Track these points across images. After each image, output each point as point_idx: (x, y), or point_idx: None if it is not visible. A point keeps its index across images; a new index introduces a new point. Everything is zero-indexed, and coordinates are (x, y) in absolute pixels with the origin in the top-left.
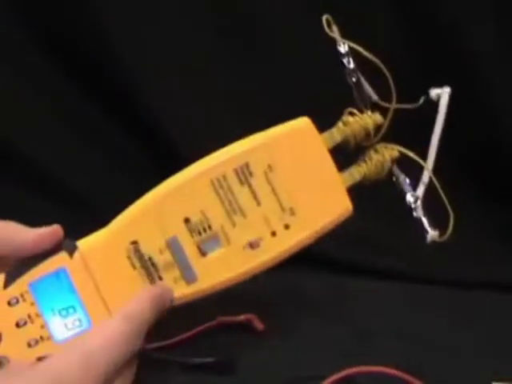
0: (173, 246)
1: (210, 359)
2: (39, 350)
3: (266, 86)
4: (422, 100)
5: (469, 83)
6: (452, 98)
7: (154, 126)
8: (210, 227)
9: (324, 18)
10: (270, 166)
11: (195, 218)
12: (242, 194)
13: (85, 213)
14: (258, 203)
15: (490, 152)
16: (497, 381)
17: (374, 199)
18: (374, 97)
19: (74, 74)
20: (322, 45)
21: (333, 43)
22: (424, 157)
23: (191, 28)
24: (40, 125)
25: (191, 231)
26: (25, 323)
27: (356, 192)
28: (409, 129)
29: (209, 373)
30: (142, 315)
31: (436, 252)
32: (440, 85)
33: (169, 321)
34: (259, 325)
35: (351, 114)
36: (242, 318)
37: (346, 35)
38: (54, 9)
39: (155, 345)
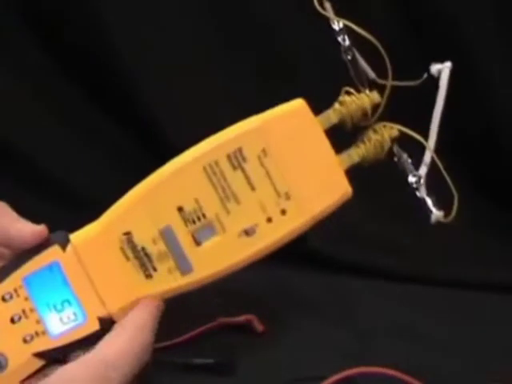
0: (166, 235)
1: (210, 360)
2: (35, 346)
3: (266, 85)
4: (424, 77)
5: (467, 79)
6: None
7: (154, 126)
8: (204, 215)
9: None
10: (263, 150)
11: (189, 207)
12: (236, 180)
13: (85, 213)
14: (253, 189)
15: (490, 152)
16: (496, 381)
17: (375, 198)
18: (371, 74)
19: (74, 73)
20: (322, 43)
21: (332, 38)
22: (425, 136)
23: (191, 28)
24: (40, 125)
25: (185, 220)
26: (19, 318)
27: (357, 192)
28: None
29: (209, 374)
30: (151, 323)
31: (436, 252)
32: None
33: (169, 322)
34: (259, 326)
35: (348, 93)
36: (242, 318)
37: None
38: (54, 9)
39: (155, 346)
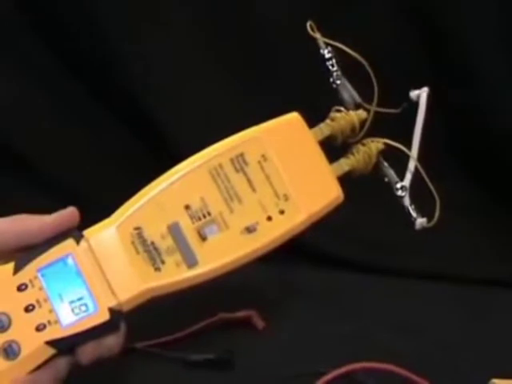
0: (174, 231)
1: (210, 355)
2: (47, 335)
3: (265, 85)
4: (403, 106)
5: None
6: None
7: (154, 122)
8: (209, 213)
9: (308, 24)
10: (263, 156)
11: (195, 205)
12: (239, 182)
13: (85, 212)
14: (254, 190)
15: (490, 152)
16: (499, 378)
17: (375, 198)
18: (358, 99)
19: (76, 73)
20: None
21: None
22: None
23: (192, 28)
24: (40, 125)
25: (191, 217)
26: (33, 308)
27: (358, 192)
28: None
29: (209, 369)
30: None
31: (437, 248)
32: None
33: (170, 317)
34: (259, 321)
35: (338, 111)
36: (242, 314)
37: (344, 35)
38: (55, 8)
39: (156, 341)
